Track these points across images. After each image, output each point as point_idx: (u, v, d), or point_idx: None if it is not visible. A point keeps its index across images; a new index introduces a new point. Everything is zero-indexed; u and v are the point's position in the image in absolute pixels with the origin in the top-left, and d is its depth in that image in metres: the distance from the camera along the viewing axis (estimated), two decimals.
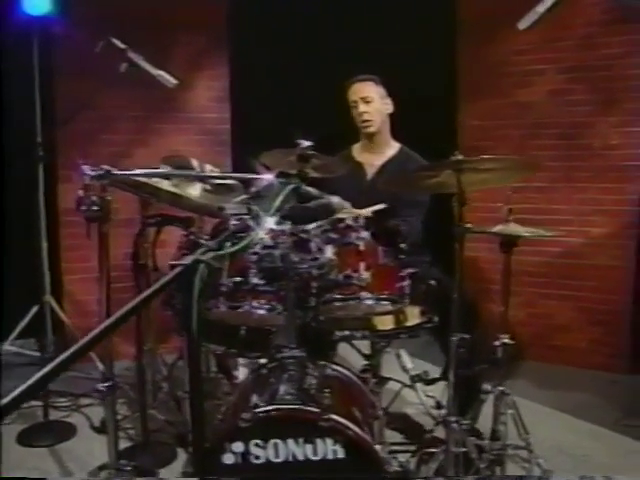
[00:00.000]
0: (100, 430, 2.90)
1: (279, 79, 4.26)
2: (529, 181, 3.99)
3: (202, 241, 2.45)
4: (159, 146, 4.09)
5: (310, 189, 1.96)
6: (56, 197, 3.89)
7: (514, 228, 2.31)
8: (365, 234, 2.10)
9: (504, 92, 4.11)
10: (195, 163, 3.25)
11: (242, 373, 2.91)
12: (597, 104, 3.85)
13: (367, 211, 2.47)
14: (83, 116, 3.63)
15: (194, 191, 2.70)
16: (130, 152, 4.06)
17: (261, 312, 2.09)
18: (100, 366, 2.93)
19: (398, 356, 2.81)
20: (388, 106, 2.96)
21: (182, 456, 2.73)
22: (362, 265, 2.06)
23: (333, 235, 2.08)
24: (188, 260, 1.31)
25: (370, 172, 3.00)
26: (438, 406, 2.89)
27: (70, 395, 3.25)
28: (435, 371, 2.81)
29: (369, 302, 2.07)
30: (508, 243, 2.30)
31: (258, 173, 2.07)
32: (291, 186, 1.85)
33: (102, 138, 3.96)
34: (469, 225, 2.14)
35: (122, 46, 2.84)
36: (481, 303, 2.68)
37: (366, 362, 2.65)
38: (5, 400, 0.92)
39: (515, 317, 3.79)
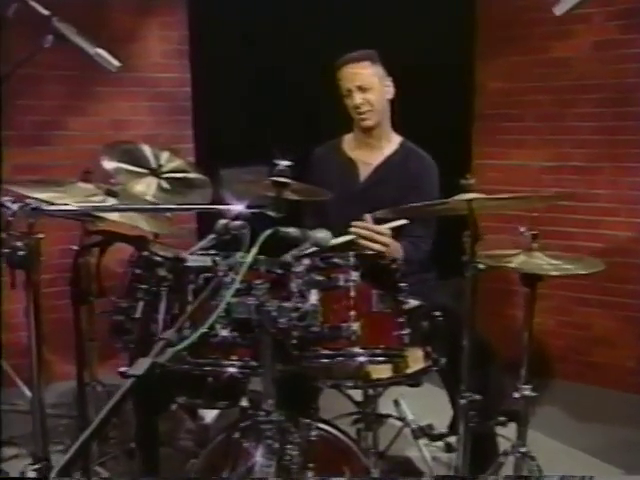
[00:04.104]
0: None
1: (251, 27, 4.23)
2: (564, 159, 4.11)
3: (158, 258, 2.57)
4: (99, 115, 4.17)
5: (290, 230, 2.09)
6: None
7: (539, 260, 2.44)
8: (355, 275, 2.20)
9: (534, 46, 4.16)
10: (148, 151, 3.33)
11: (208, 412, 3.11)
12: None
13: (386, 227, 2.55)
14: None
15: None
16: (61, 122, 4.12)
17: (232, 370, 2.23)
18: (27, 392, 2.97)
19: (396, 404, 2.96)
20: (389, 89, 3.01)
21: None
22: (352, 314, 2.18)
23: (318, 277, 2.19)
24: (144, 365, 1.44)
25: (364, 173, 3.07)
26: (448, 449, 3.08)
27: None
28: (439, 395, 2.96)
29: (361, 359, 2.20)
30: (531, 279, 2.43)
31: (227, 202, 2.18)
32: (267, 232, 1.98)
33: (23, 104, 3.97)
34: (481, 262, 2.29)
35: (45, 12, 2.71)
36: (495, 339, 2.81)
37: (358, 410, 2.82)
38: None
39: (543, 326, 3.94)
